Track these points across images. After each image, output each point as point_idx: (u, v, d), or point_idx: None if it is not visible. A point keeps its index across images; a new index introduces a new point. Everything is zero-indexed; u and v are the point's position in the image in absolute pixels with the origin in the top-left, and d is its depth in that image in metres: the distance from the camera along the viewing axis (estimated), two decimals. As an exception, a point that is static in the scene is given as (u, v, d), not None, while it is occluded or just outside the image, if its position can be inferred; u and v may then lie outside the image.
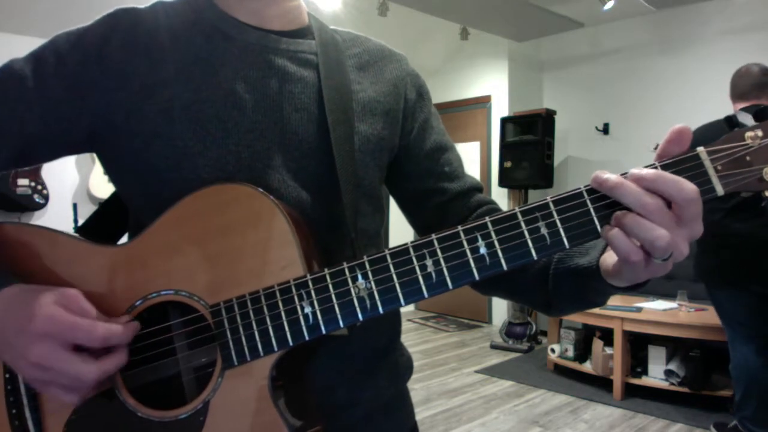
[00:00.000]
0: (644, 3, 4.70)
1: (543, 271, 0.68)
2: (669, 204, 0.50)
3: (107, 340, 0.56)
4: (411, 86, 0.82)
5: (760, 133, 0.51)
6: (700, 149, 0.52)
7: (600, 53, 5.40)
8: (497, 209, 0.80)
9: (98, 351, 0.57)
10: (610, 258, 0.57)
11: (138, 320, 0.61)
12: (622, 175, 0.52)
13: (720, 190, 0.51)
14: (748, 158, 0.51)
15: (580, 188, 0.53)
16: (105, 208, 0.81)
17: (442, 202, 0.81)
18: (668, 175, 0.50)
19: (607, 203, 0.52)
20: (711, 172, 0.51)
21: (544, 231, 0.53)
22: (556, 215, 0.53)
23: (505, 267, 0.54)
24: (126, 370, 0.60)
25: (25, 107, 0.65)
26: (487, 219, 0.55)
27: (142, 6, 0.71)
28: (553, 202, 0.54)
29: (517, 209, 0.55)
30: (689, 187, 0.49)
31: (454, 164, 0.83)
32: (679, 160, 0.52)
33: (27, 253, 0.64)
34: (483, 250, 0.55)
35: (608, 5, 4.47)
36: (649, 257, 0.51)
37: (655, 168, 0.52)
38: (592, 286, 0.62)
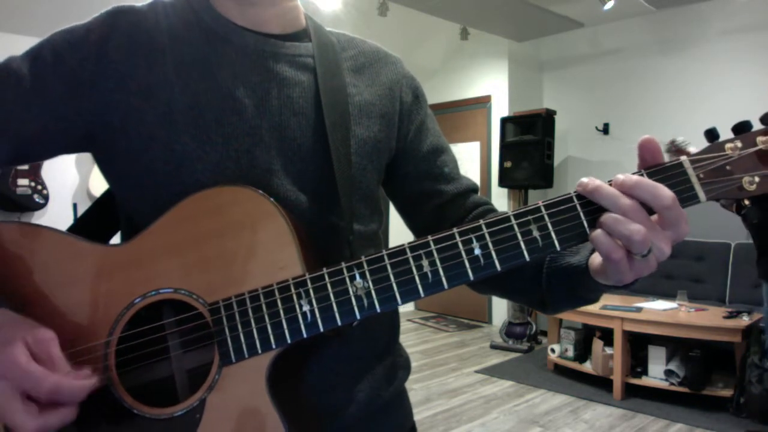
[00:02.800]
0: (644, 3, 4.70)
1: (537, 270, 0.69)
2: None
3: (53, 395, 0.54)
4: (406, 88, 0.83)
5: (739, 144, 0.54)
6: (683, 158, 0.54)
7: (600, 53, 5.41)
8: (493, 210, 0.81)
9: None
10: (597, 257, 0.59)
11: (137, 318, 0.62)
12: (608, 182, 0.54)
13: (702, 197, 0.54)
14: (728, 168, 0.54)
15: (570, 194, 0.56)
16: (97, 207, 0.81)
17: (439, 204, 0.81)
18: (647, 182, 0.53)
19: (596, 208, 0.55)
20: (694, 179, 0.54)
21: (536, 234, 0.56)
22: (547, 219, 0.56)
23: (498, 268, 0.56)
24: (122, 368, 0.61)
25: (22, 107, 0.65)
26: (482, 221, 0.57)
27: (140, 4, 0.71)
28: (545, 206, 0.56)
29: (510, 213, 0.57)
30: (665, 192, 0.52)
31: (450, 166, 0.83)
32: (664, 168, 0.54)
33: (24, 253, 0.64)
34: (478, 251, 0.56)
35: (608, 5, 4.47)
36: (631, 256, 0.53)
37: (641, 175, 0.54)
38: (583, 284, 0.63)
